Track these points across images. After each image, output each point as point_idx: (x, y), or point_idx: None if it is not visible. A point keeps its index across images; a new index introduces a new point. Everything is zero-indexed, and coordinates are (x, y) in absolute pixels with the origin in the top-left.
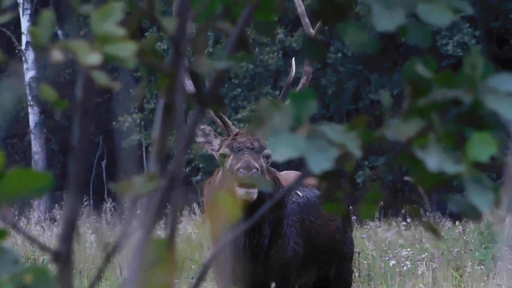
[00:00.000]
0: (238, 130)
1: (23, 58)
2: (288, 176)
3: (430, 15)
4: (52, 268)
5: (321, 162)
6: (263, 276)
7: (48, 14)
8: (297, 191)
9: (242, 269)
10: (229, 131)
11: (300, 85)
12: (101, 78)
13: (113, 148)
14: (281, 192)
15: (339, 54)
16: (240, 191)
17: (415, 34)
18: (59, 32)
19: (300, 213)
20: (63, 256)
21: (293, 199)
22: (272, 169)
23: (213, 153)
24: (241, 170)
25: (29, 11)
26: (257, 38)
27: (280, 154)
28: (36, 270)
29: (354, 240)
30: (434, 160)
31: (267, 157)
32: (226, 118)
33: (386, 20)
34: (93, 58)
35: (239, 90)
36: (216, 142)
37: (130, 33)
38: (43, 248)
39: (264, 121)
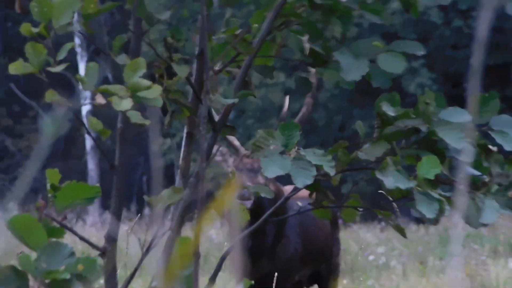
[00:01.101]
0: (246, 151)
1: (81, 96)
2: (290, 189)
3: (388, 65)
4: (100, 262)
5: (303, 179)
6: (269, 269)
7: (92, 66)
8: (298, 202)
9: (250, 263)
10: (238, 153)
11: (300, 114)
12: (134, 117)
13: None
14: (281, 200)
15: (328, 94)
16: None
17: (377, 78)
18: (109, 76)
19: (300, 219)
20: (108, 252)
21: (294, 208)
22: (278, 183)
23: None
24: (236, 197)
25: (85, 58)
26: (263, 81)
27: (271, 172)
28: (86, 261)
29: (340, 239)
30: (391, 180)
31: None
32: (236, 142)
33: (353, 72)
34: (125, 105)
35: (251, 121)
36: (231, 161)
37: (158, 75)
38: (91, 245)
39: (261, 147)
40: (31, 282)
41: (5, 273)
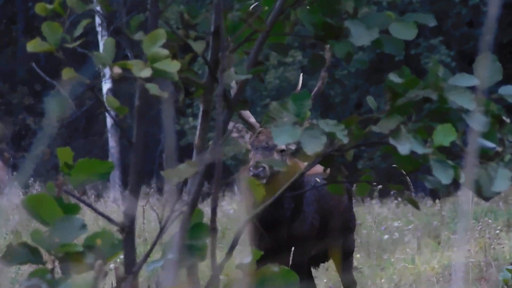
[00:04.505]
0: (261, 129)
1: (101, 74)
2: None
3: (400, 32)
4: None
5: (313, 146)
6: (286, 243)
7: (110, 41)
8: (317, 178)
9: (267, 237)
10: (254, 130)
11: (316, 88)
12: (153, 89)
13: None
14: (296, 175)
15: (345, 71)
16: (250, 172)
17: (389, 45)
18: (129, 54)
19: (318, 194)
20: (127, 228)
21: (312, 183)
22: (295, 159)
23: (245, 145)
24: (250, 168)
25: (106, 37)
26: (281, 60)
27: (281, 140)
28: (104, 234)
29: (357, 215)
30: (406, 146)
31: (282, 150)
32: (251, 119)
33: (363, 37)
34: (145, 72)
35: (268, 99)
36: (247, 137)
37: (172, 55)
38: (110, 220)
39: (274, 118)
40: (45, 257)
41: (19, 250)
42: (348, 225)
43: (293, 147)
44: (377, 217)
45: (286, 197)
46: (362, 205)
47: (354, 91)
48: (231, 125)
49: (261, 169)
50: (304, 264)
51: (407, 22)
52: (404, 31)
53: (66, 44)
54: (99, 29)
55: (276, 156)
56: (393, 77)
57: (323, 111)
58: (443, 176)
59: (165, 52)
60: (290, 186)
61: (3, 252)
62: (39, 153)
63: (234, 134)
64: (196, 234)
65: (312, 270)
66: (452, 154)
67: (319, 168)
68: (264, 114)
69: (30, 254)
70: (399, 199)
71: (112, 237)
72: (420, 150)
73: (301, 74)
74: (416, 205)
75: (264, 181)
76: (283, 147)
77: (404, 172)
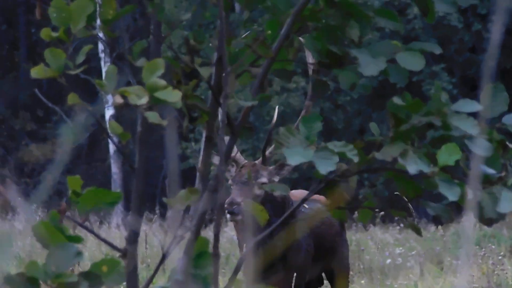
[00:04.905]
0: (245, 162)
1: (104, 100)
2: (296, 193)
3: (407, 62)
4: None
5: (326, 166)
6: (283, 274)
7: (111, 69)
8: (304, 204)
9: (262, 270)
10: (238, 164)
11: (300, 117)
12: (152, 117)
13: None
14: (293, 205)
15: (348, 97)
16: (225, 210)
17: (395, 75)
18: (132, 81)
19: (309, 219)
20: (129, 254)
21: (302, 210)
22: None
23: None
24: (225, 205)
25: (108, 63)
26: (285, 86)
27: (294, 160)
28: (110, 261)
29: (360, 241)
30: (413, 166)
31: (263, 183)
32: (235, 154)
33: (371, 67)
34: (142, 100)
35: (270, 125)
36: (233, 171)
37: (176, 80)
38: (112, 246)
39: (283, 143)
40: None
41: (17, 281)
42: (340, 249)
43: (266, 180)
44: (379, 243)
45: (277, 228)
46: (364, 231)
47: (357, 117)
48: (216, 159)
49: (235, 207)
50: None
51: (414, 52)
52: (411, 61)
53: (69, 70)
54: (102, 55)
55: (257, 190)
56: (396, 100)
57: (326, 137)
58: (450, 194)
59: (163, 82)
60: (280, 216)
61: (1, 284)
62: (47, 181)
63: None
64: (201, 263)
65: None
66: (456, 178)
67: (304, 193)
68: (273, 140)
69: (28, 285)
70: (402, 225)
71: (118, 264)
72: (426, 169)
73: (277, 107)
74: (418, 232)
75: (239, 217)
76: (265, 180)
77: (406, 199)
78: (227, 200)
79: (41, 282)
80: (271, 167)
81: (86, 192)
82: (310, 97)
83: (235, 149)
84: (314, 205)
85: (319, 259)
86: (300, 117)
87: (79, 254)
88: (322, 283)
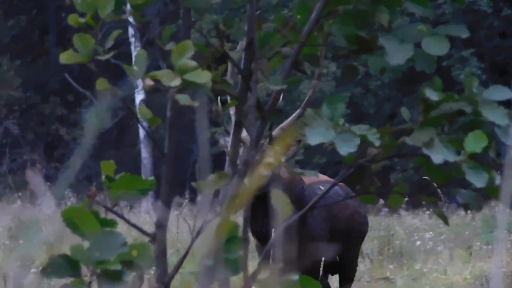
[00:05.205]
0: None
1: (134, 85)
2: (319, 177)
3: (432, 47)
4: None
5: (347, 148)
6: (300, 256)
7: (141, 53)
8: (320, 186)
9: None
10: (245, 145)
11: (307, 98)
12: (183, 99)
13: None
14: (329, 187)
15: (378, 82)
16: None
17: (421, 61)
18: (163, 65)
19: (323, 202)
20: (158, 238)
21: (317, 192)
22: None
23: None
24: None
25: (139, 47)
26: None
27: (314, 139)
28: (140, 247)
29: (389, 226)
30: (439, 156)
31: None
32: (242, 135)
33: (398, 56)
34: (174, 82)
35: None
36: (240, 151)
37: (206, 65)
38: (141, 231)
39: (307, 123)
40: (83, 271)
41: (58, 262)
42: (357, 230)
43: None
44: (408, 228)
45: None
46: (393, 216)
47: (387, 102)
48: (224, 140)
49: None
50: (318, 272)
51: (439, 36)
52: (436, 46)
53: (98, 56)
54: (132, 40)
55: (263, 170)
56: (428, 93)
57: (356, 121)
58: (477, 180)
59: (193, 63)
60: (292, 200)
61: (44, 264)
62: (75, 165)
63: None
64: (230, 247)
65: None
66: (485, 165)
67: (321, 176)
68: (298, 120)
69: (69, 267)
70: (431, 210)
71: (148, 248)
72: (452, 158)
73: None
74: (445, 220)
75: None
76: (271, 160)
77: (436, 185)
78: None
79: (82, 266)
80: (277, 147)
81: (119, 178)
82: (317, 76)
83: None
84: (326, 187)
85: (334, 241)
86: (306, 98)
87: (124, 244)
88: (335, 267)
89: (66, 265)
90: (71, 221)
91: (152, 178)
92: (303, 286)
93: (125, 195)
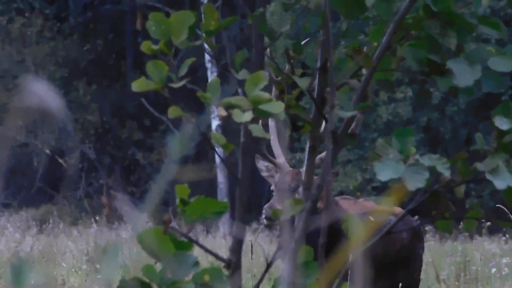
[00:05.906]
0: (288, 169)
1: (210, 110)
2: (361, 203)
3: (498, 65)
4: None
5: (415, 182)
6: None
7: (215, 81)
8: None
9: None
10: (281, 171)
11: (350, 129)
12: (256, 131)
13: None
14: (399, 218)
15: (455, 107)
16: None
17: (488, 82)
18: (239, 91)
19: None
20: (233, 264)
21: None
22: (334, 198)
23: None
24: (264, 210)
25: (215, 73)
26: (392, 95)
27: (384, 175)
28: (213, 270)
29: (465, 251)
30: (501, 182)
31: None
32: (279, 160)
33: (466, 77)
34: (246, 117)
35: (376, 134)
36: (277, 177)
37: (279, 90)
38: (216, 257)
39: (379, 155)
40: None
41: (131, 285)
42: (408, 264)
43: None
44: (485, 254)
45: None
46: (470, 242)
47: (463, 127)
48: (261, 164)
49: (266, 212)
50: None
51: (507, 55)
52: (502, 63)
53: (171, 83)
54: (208, 65)
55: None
56: (498, 121)
57: (431, 147)
58: None
59: (267, 95)
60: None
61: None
62: (158, 190)
63: (264, 174)
64: (306, 272)
65: None
66: None
67: (368, 205)
68: (370, 151)
69: None
70: (507, 235)
71: (220, 273)
72: None
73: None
74: None
75: (276, 223)
76: None
77: (507, 210)
78: (266, 205)
79: None
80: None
81: (194, 201)
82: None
83: (281, 155)
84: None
85: (379, 276)
86: (349, 130)
87: (196, 264)
88: None
89: (138, 287)
90: (147, 244)
91: (225, 200)
92: None
93: (199, 218)
